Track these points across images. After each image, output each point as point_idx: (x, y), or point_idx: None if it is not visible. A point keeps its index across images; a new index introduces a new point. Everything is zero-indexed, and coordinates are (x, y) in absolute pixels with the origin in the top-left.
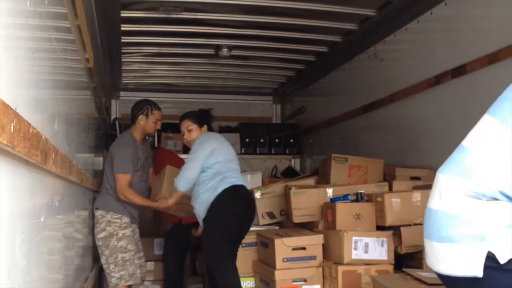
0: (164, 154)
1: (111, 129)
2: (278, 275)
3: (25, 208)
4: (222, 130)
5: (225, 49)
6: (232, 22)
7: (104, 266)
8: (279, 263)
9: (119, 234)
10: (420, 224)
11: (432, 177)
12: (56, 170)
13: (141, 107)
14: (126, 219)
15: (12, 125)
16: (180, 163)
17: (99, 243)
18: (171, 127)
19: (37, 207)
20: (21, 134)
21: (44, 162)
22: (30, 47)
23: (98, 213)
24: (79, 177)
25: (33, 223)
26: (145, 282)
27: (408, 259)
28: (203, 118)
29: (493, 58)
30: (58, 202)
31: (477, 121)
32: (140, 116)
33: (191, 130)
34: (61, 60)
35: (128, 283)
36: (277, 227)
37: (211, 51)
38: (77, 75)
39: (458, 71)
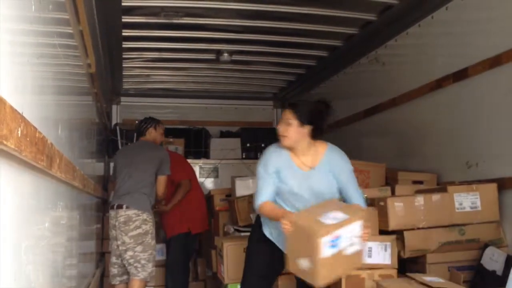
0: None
1: (112, 135)
2: (282, 279)
3: (30, 214)
4: (223, 135)
5: (226, 54)
6: (232, 27)
7: (131, 261)
8: None
9: (153, 233)
10: (423, 228)
11: (434, 181)
12: (61, 175)
13: (150, 120)
14: (154, 221)
15: (19, 129)
16: (183, 167)
17: (129, 240)
18: (172, 132)
19: (42, 213)
20: (28, 139)
21: (49, 167)
22: (34, 53)
23: (131, 212)
24: (82, 182)
25: (38, 229)
26: (147, 287)
27: (412, 264)
28: (312, 115)
29: (495, 61)
30: (62, 207)
31: (479, 124)
32: (151, 129)
33: (290, 125)
34: (64, 66)
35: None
36: None
37: (211, 56)
38: (79, 81)
39: (460, 75)
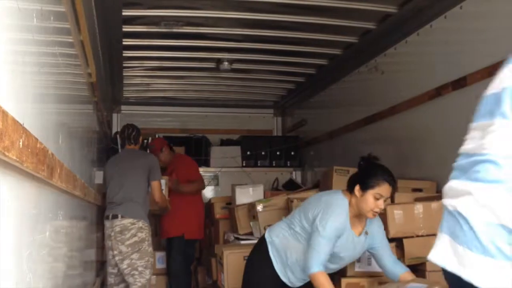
0: (181, 161)
1: (112, 143)
2: None
3: (31, 224)
4: (223, 143)
5: (226, 63)
6: (232, 36)
7: (127, 270)
8: None
9: (149, 240)
10: (423, 236)
11: (433, 189)
12: (61, 185)
13: (138, 131)
14: (150, 228)
15: (21, 140)
16: (191, 169)
17: (127, 249)
18: (172, 140)
19: (42, 222)
20: (29, 150)
21: (50, 177)
22: (36, 62)
23: (127, 221)
24: (83, 191)
25: (39, 238)
26: None
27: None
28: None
29: (493, 70)
30: (62, 216)
31: None
32: (140, 137)
33: (386, 201)
34: (65, 75)
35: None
36: None
37: (212, 65)
38: (80, 90)
39: (459, 83)
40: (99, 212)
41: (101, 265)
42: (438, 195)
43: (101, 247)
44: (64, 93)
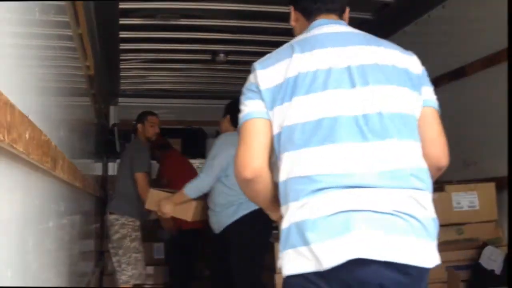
0: (174, 160)
1: (110, 135)
2: (278, 278)
3: (36, 214)
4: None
5: (222, 55)
6: (228, 27)
7: (115, 265)
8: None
9: (132, 236)
10: None
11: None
12: (64, 176)
13: (137, 118)
14: (138, 222)
15: (27, 133)
16: (186, 170)
17: (113, 244)
18: (169, 132)
19: (46, 212)
20: (35, 142)
21: (53, 168)
22: (38, 56)
23: (113, 217)
24: (83, 182)
25: (43, 228)
26: (145, 286)
27: None
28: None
29: (492, 60)
30: (64, 207)
31: (477, 123)
32: (139, 125)
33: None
34: (64, 68)
35: (137, 282)
36: (278, 232)
37: (207, 57)
38: (78, 82)
39: (457, 74)
40: (97, 203)
41: (100, 255)
42: (436, 186)
43: (100, 238)
44: (64, 85)
